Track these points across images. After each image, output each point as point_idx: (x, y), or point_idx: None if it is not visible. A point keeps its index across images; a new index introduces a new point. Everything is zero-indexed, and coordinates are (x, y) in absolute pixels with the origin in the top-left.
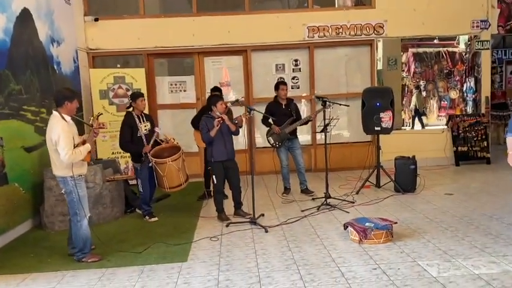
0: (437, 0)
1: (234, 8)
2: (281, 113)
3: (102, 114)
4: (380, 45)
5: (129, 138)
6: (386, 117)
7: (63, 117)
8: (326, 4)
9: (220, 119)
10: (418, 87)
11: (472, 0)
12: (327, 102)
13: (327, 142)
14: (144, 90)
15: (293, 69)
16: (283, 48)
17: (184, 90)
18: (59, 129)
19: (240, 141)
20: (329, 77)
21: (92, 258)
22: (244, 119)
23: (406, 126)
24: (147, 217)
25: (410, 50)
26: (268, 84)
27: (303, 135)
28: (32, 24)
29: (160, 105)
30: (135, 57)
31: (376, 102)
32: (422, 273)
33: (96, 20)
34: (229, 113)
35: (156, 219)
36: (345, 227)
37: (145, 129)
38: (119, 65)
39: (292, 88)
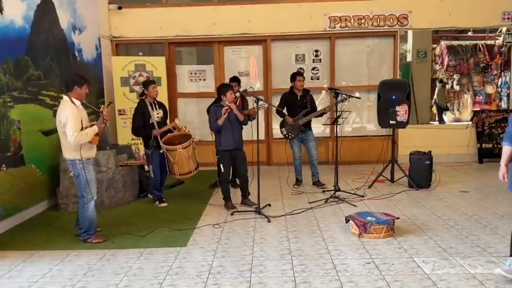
0: None
1: None
2: (296, 104)
3: (112, 103)
4: (409, 36)
5: (141, 124)
6: (401, 111)
7: (72, 101)
8: None
9: (228, 107)
10: (441, 80)
11: None
12: (339, 94)
13: (341, 135)
14: (164, 78)
15: (313, 59)
16: (303, 38)
17: (204, 79)
18: (68, 112)
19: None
20: (350, 69)
21: (96, 239)
22: (257, 110)
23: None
24: (157, 202)
25: (443, 42)
26: (288, 74)
27: (321, 127)
28: (53, 12)
29: (180, 94)
30: (157, 45)
31: (391, 95)
32: (416, 270)
33: (120, 8)
34: (245, 103)
35: (165, 204)
36: (347, 220)
37: (158, 117)
38: (140, 53)
39: (311, 79)
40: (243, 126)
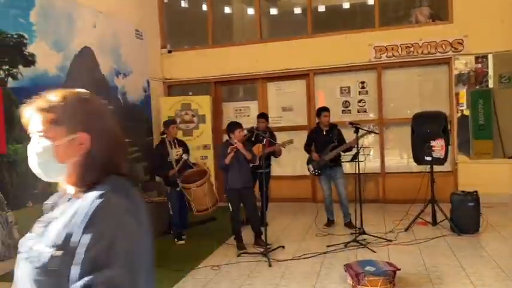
0: None
1: (297, 33)
2: (322, 139)
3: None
4: (490, 60)
5: (158, 164)
6: (437, 146)
7: None
8: (395, 23)
9: (234, 146)
10: None
11: None
12: (359, 129)
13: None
14: (208, 116)
15: (359, 91)
16: (348, 70)
17: (248, 115)
18: None
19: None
20: (399, 99)
21: None
22: (282, 148)
23: None
24: (176, 239)
25: None
26: (332, 108)
27: (375, 162)
28: (94, 60)
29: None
30: (204, 84)
31: (426, 129)
32: None
33: (170, 52)
34: (273, 138)
35: (182, 242)
36: (345, 269)
37: (177, 155)
38: (190, 93)
39: (358, 112)
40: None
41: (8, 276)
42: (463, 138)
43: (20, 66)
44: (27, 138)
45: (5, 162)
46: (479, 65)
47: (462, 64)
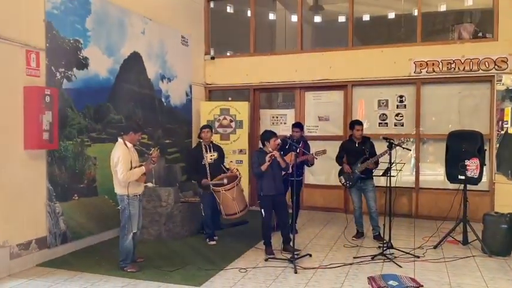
0: None
1: (338, 44)
2: (354, 151)
3: (160, 148)
4: None
5: (192, 167)
6: (472, 166)
7: (125, 144)
8: (437, 38)
9: (271, 154)
10: None
11: None
12: (393, 144)
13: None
14: (245, 122)
15: (397, 105)
16: (386, 83)
17: (285, 123)
18: (120, 153)
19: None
20: (438, 115)
21: (131, 268)
22: (315, 157)
23: None
24: (207, 239)
25: None
26: (369, 120)
27: (410, 176)
28: (141, 65)
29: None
30: (244, 90)
31: (461, 148)
32: None
33: (213, 58)
34: (306, 147)
35: (214, 242)
36: (368, 281)
37: (211, 159)
38: (230, 98)
39: (395, 125)
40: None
41: (56, 262)
42: (506, 157)
43: (75, 69)
44: (77, 136)
45: (56, 158)
46: None
47: (510, 80)
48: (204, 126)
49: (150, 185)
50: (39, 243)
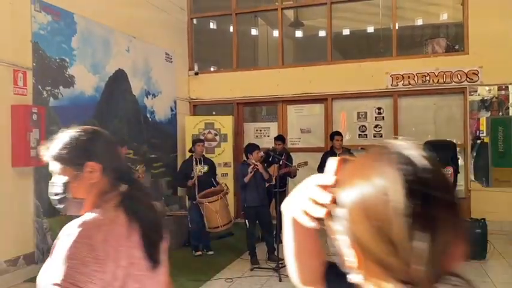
0: None
1: (318, 58)
2: None
3: (144, 167)
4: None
5: (181, 176)
6: (447, 174)
7: None
8: (412, 52)
9: (254, 166)
10: None
11: None
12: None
13: None
14: (230, 135)
15: (375, 117)
16: (365, 96)
17: (268, 136)
18: None
19: None
20: (415, 126)
21: None
22: (297, 169)
23: None
24: (193, 251)
25: None
26: (350, 131)
27: None
28: (126, 81)
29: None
30: (227, 105)
31: (435, 157)
32: None
33: (197, 74)
34: (289, 159)
35: (199, 253)
36: None
37: (200, 172)
38: (214, 113)
39: (374, 136)
40: None
41: None
42: (482, 165)
43: (61, 87)
44: None
45: (44, 174)
46: (503, 92)
47: (485, 91)
48: (199, 140)
49: None
50: (27, 259)
